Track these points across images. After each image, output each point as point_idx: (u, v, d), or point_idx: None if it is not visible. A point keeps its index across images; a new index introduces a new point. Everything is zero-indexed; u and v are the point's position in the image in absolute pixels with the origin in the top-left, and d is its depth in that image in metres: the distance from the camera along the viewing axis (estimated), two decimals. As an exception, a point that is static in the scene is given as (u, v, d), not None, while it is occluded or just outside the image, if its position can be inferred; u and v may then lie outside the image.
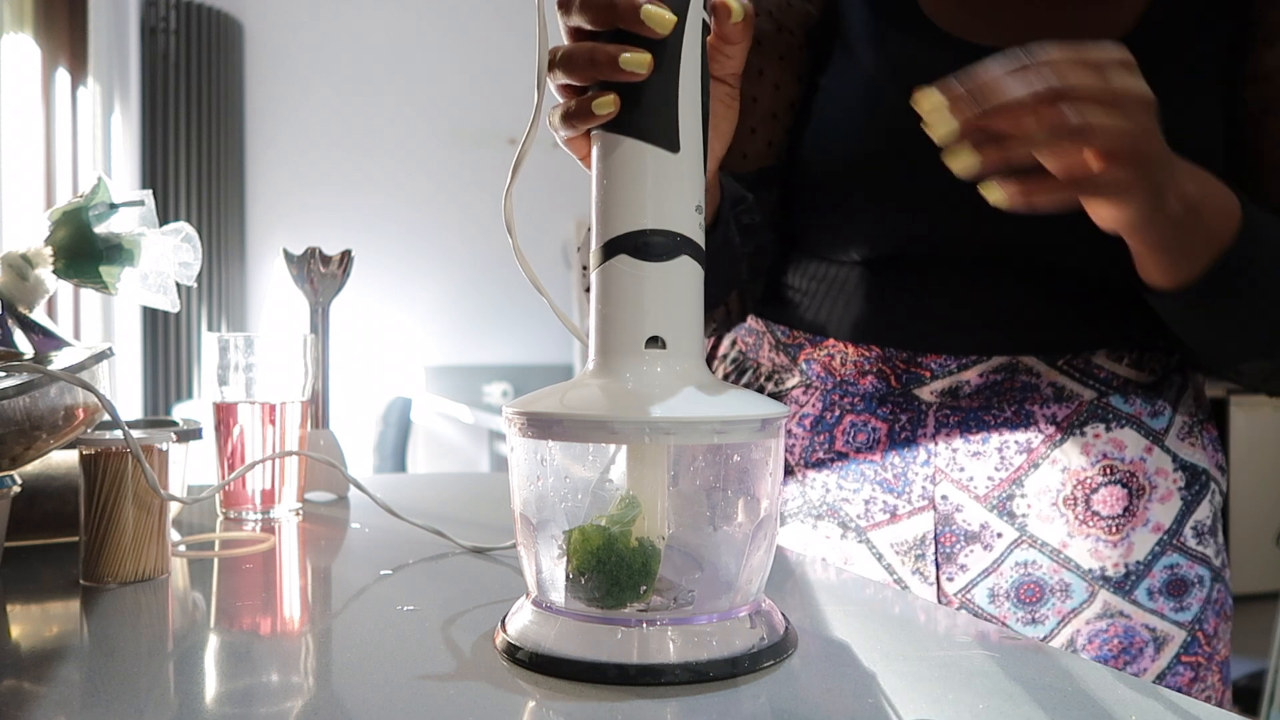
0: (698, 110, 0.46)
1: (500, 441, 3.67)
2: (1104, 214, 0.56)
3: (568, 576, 0.44)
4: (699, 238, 0.46)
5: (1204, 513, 0.74)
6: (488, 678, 0.43)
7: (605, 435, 0.43)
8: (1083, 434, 0.72)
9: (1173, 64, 0.68)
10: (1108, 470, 0.72)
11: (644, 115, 0.45)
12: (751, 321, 0.84)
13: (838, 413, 0.76)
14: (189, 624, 0.54)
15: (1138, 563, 0.72)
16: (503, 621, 0.47)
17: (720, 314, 0.84)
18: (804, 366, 0.78)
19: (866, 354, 0.74)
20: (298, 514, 0.83)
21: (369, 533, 0.77)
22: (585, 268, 0.78)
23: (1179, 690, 0.71)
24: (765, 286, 0.83)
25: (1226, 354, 0.70)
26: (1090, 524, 0.71)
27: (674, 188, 0.45)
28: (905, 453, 0.73)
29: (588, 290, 0.78)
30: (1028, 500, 0.71)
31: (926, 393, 0.73)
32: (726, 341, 0.88)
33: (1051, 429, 0.72)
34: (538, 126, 0.50)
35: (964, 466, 0.72)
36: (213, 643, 0.50)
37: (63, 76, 2.86)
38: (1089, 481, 0.71)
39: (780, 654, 0.44)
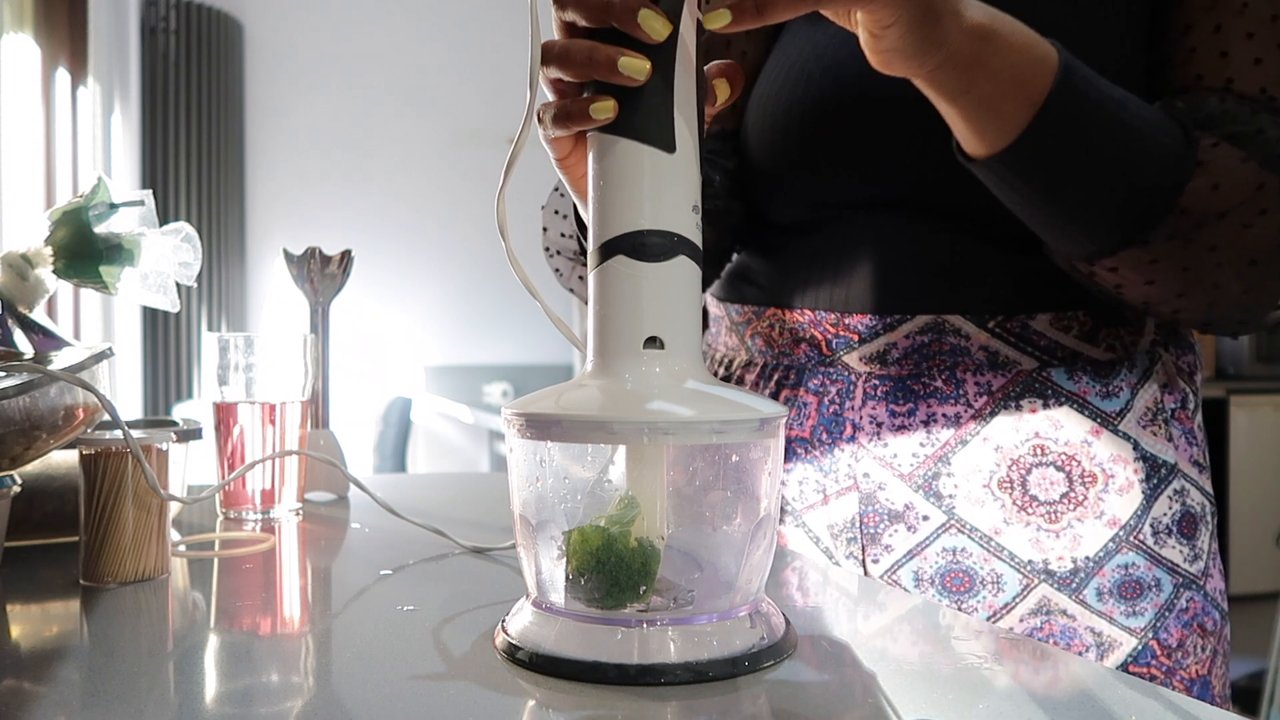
0: (693, 110, 0.46)
1: (500, 441, 3.67)
2: (867, 40, 0.51)
3: (567, 577, 0.44)
4: (696, 238, 0.46)
5: (1163, 509, 0.68)
6: (488, 678, 0.43)
7: (604, 436, 0.43)
8: (1017, 408, 0.68)
9: None
10: (1039, 450, 0.67)
11: (640, 116, 0.45)
12: (714, 308, 0.84)
13: (774, 388, 0.75)
14: (189, 624, 0.54)
15: (1087, 558, 0.67)
16: (503, 622, 0.47)
17: None
18: (749, 343, 0.78)
19: (800, 319, 0.73)
20: (298, 514, 0.83)
21: (369, 533, 0.77)
22: (550, 251, 0.80)
23: None
24: (726, 269, 0.84)
25: (1077, 246, 0.62)
26: (1029, 510, 0.67)
27: (670, 188, 0.45)
28: (832, 429, 0.72)
29: (547, 249, 0.80)
30: (955, 480, 0.68)
31: (855, 359, 0.70)
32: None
33: (983, 399, 0.68)
34: (530, 127, 0.50)
35: (888, 442, 0.69)
36: (213, 643, 0.50)
37: (63, 76, 2.86)
38: (1022, 462, 0.67)
39: (780, 654, 0.45)
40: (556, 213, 0.78)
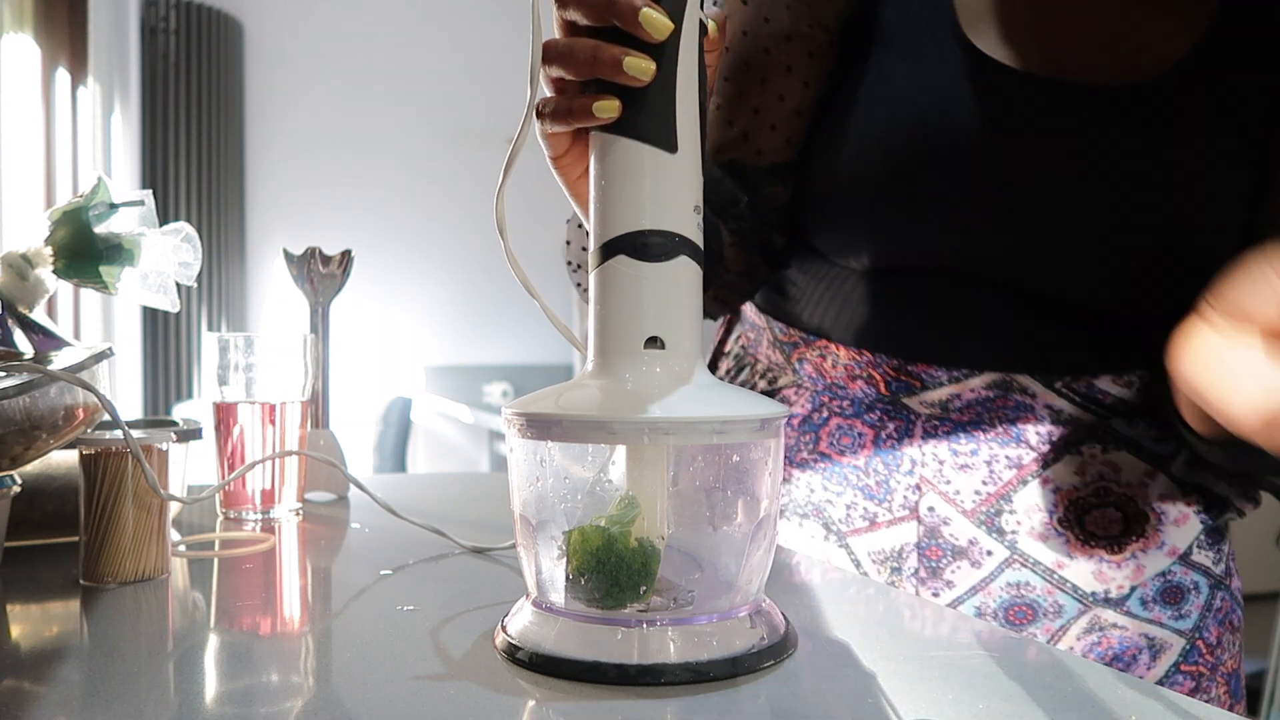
0: (695, 110, 0.46)
1: (500, 441, 3.67)
2: None
3: (567, 577, 0.44)
4: (697, 238, 0.46)
5: (1212, 526, 0.72)
6: (488, 678, 0.43)
7: (604, 436, 0.43)
8: (1078, 453, 0.70)
9: (1212, 99, 0.65)
10: (1101, 492, 0.70)
11: (642, 116, 0.45)
12: (754, 317, 0.83)
13: (825, 414, 0.75)
14: (189, 624, 0.54)
15: (1142, 582, 0.70)
16: (503, 622, 0.47)
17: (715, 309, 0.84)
18: (796, 365, 0.77)
19: (858, 358, 0.73)
20: (298, 514, 0.83)
21: (369, 533, 0.77)
22: (572, 265, 0.78)
23: None
24: (769, 283, 0.82)
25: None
26: (1091, 544, 0.69)
27: (672, 188, 0.45)
28: (889, 460, 0.72)
29: (570, 263, 0.78)
30: (1016, 517, 0.69)
31: (916, 403, 0.71)
32: (732, 338, 0.88)
33: (1046, 447, 0.70)
34: (529, 126, 0.50)
35: (950, 479, 0.70)
36: (213, 643, 0.50)
37: (63, 76, 2.86)
38: (1081, 503, 0.69)
39: (780, 654, 0.44)
40: (580, 226, 0.75)
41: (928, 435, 0.71)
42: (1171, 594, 0.70)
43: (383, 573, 0.63)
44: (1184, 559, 0.71)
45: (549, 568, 0.46)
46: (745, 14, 0.74)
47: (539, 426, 0.44)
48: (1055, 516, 0.69)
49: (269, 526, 0.79)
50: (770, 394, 0.80)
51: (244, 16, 3.99)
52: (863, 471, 0.73)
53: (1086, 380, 0.69)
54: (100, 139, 2.77)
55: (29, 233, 0.77)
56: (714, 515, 0.45)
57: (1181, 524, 0.71)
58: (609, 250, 0.45)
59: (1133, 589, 0.70)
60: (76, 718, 0.39)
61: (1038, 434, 0.70)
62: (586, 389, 0.45)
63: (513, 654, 0.44)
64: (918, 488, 0.71)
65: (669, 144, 0.45)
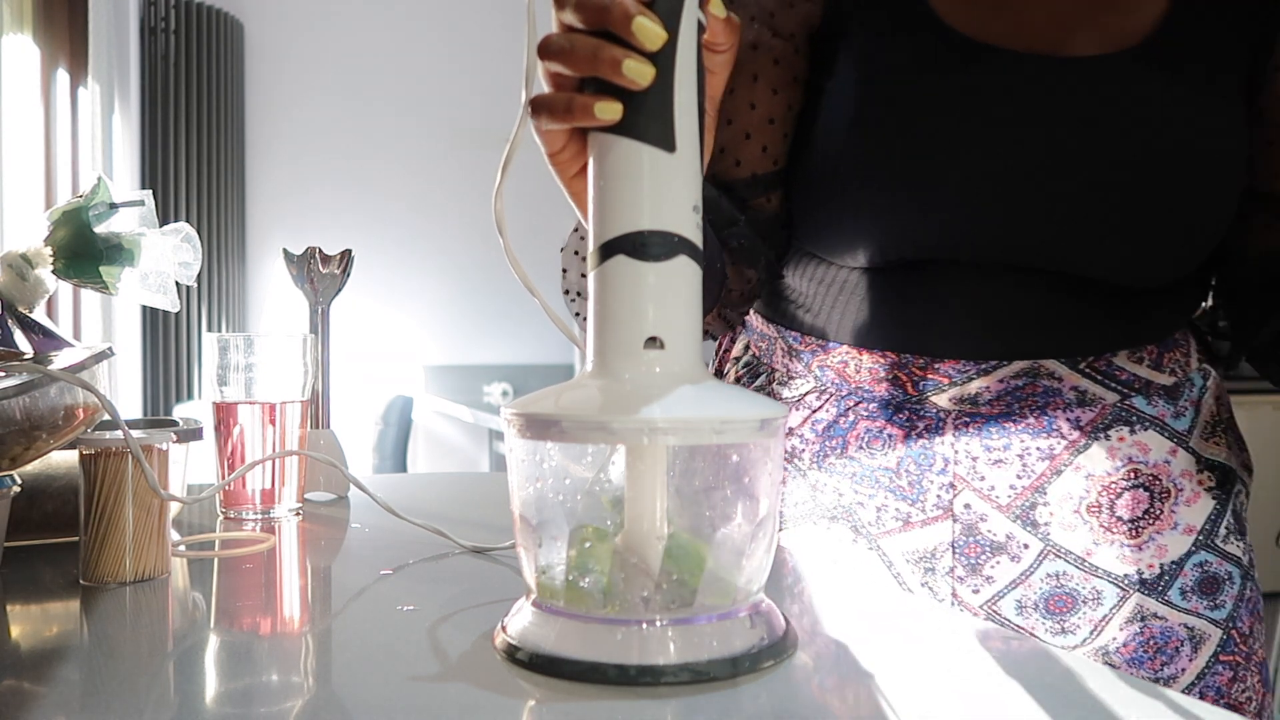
0: (694, 109, 0.46)
1: (500, 441, 3.67)
2: None
3: (567, 578, 0.44)
4: (696, 238, 0.46)
5: (1231, 511, 0.73)
6: (488, 678, 0.43)
7: (604, 436, 0.43)
8: (1107, 438, 0.70)
9: (1194, 65, 0.66)
10: (1133, 474, 0.70)
11: (640, 116, 0.45)
12: (763, 327, 0.83)
13: (852, 418, 0.75)
14: (189, 624, 0.54)
15: (1172, 563, 0.70)
16: (503, 622, 0.47)
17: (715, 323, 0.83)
18: (818, 373, 0.76)
19: (880, 360, 0.72)
20: (298, 514, 0.83)
21: (369, 533, 0.77)
22: (569, 294, 0.77)
23: (1218, 691, 0.71)
24: (769, 291, 0.82)
25: None
26: (1114, 529, 0.69)
27: (671, 188, 0.45)
28: (921, 459, 0.72)
29: (567, 293, 0.77)
30: (1050, 509, 0.69)
31: (944, 399, 0.71)
32: (739, 345, 0.87)
33: (1076, 434, 0.70)
34: (526, 125, 0.50)
35: (984, 475, 0.70)
36: (213, 643, 0.50)
37: (63, 76, 2.86)
38: (1114, 487, 0.69)
39: (780, 654, 0.44)
40: (576, 253, 0.75)
41: (959, 432, 0.71)
42: (1208, 585, 0.71)
43: (383, 573, 0.63)
44: (1216, 549, 0.72)
45: (549, 568, 0.46)
46: None
47: (539, 426, 0.44)
48: (1086, 504, 0.69)
49: (269, 526, 0.79)
50: (793, 400, 0.79)
51: (244, 16, 3.99)
52: (894, 473, 0.72)
53: (1106, 359, 0.70)
54: (100, 139, 2.77)
55: (29, 233, 0.77)
56: (714, 515, 0.45)
57: (1193, 503, 0.71)
58: (608, 250, 0.45)
59: (1166, 574, 0.70)
60: (76, 718, 0.39)
61: (1068, 420, 0.70)
62: (586, 389, 0.45)
63: (512, 654, 0.44)
64: (951, 486, 0.70)
65: (668, 144, 0.45)
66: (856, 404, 0.75)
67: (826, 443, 0.76)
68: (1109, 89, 0.65)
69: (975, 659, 0.46)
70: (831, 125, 0.71)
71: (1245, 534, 0.74)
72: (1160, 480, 0.71)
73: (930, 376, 0.70)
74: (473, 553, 0.68)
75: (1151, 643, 0.70)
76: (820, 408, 0.77)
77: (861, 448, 0.74)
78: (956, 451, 0.71)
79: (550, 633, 0.44)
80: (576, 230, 0.76)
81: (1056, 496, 0.69)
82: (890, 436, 0.73)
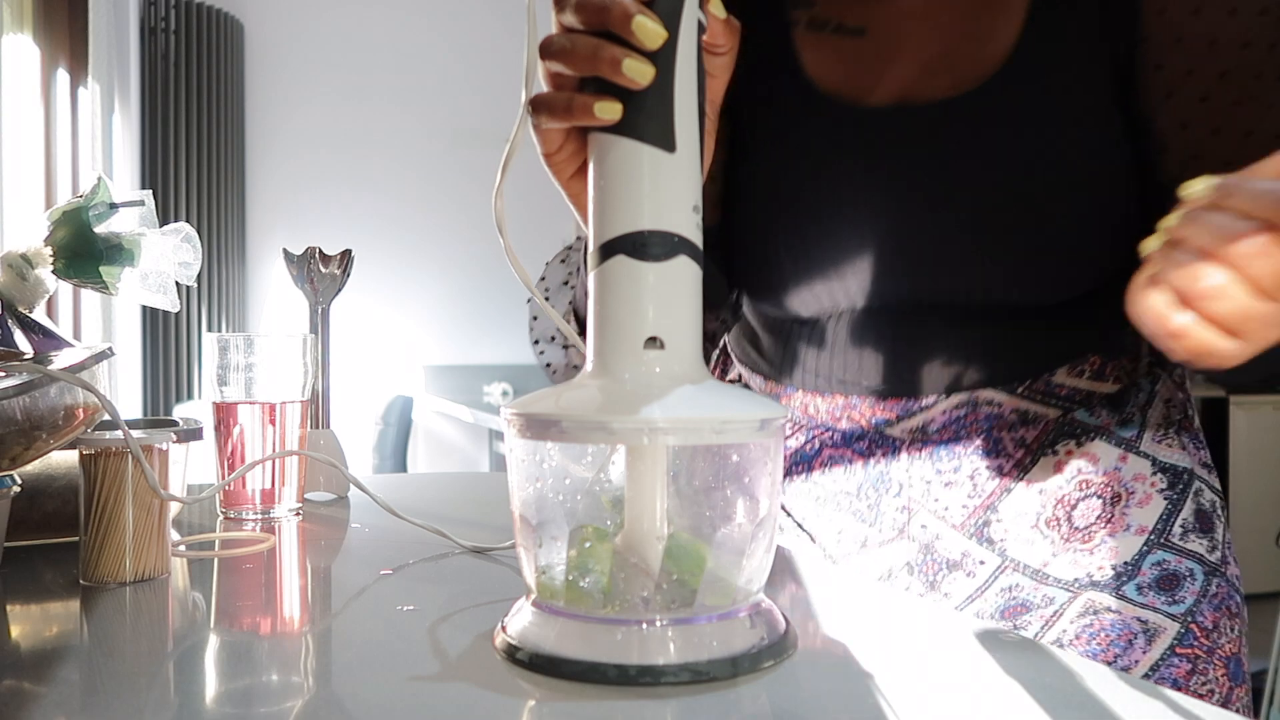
0: (694, 110, 0.46)
1: (500, 441, 3.66)
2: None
3: (567, 578, 0.44)
4: (696, 238, 0.46)
5: (1190, 510, 0.73)
6: (488, 678, 0.43)
7: (604, 436, 0.43)
8: (1054, 453, 0.72)
9: (1056, 87, 0.67)
10: (1084, 485, 0.71)
11: (640, 115, 0.45)
12: (738, 365, 0.86)
13: (817, 445, 0.79)
14: (189, 624, 0.54)
15: (1125, 563, 0.71)
16: (503, 622, 0.47)
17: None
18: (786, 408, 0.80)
19: (834, 401, 0.76)
20: (298, 514, 0.83)
21: (369, 532, 0.77)
22: (538, 345, 0.80)
23: (1175, 683, 0.70)
24: (734, 334, 0.86)
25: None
26: (1072, 539, 0.71)
27: (671, 188, 0.45)
28: (878, 484, 0.75)
29: (536, 343, 0.80)
30: (1004, 525, 0.72)
31: (898, 430, 0.74)
32: (729, 376, 0.91)
33: (1021, 452, 0.72)
34: (526, 124, 0.50)
35: (938, 497, 0.73)
36: (213, 643, 0.50)
37: (63, 76, 2.86)
38: (1068, 499, 0.71)
39: (780, 654, 0.44)
40: (548, 298, 0.78)
41: (913, 457, 0.74)
42: (1167, 581, 0.71)
43: (383, 573, 0.63)
44: (1174, 547, 0.72)
45: (549, 568, 0.46)
46: None
47: (539, 427, 0.44)
48: (1043, 518, 0.71)
49: (269, 526, 0.79)
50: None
51: (244, 16, 3.99)
52: (854, 497, 0.76)
53: (1045, 378, 0.71)
54: (100, 139, 2.76)
55: (29, 233, 0.77)
56: (714, 515, 0.45)
57: (1145, 504, 0.72)
58: (608, 250, 0.45)
59: (1121, 575, 0.71)
60: (76, 718, 0.39)
61: (1013, 439, 0.72)
62: (586, 389, 0.45)
63: (512, 654, 0.44)
64: (906, 509, 0.74)
65: (668, 144, 0.45)
66: (822, 433, 0.79)
67: (794, 467, 0.80)
68: (960, 129, 0.67)
69: (975, 659, 0.46)
70: (746, 192, 0.75)
71: (1213, 530, 0.74)
72: (1112, 487, 0.72)
73: (880, 414, 0.74)
74: (473, 553, 0.68)
75: (1103, 634, 0.70)
76: (791, 436, 0.81)
77: (825, 472, 0.78)
78: (910, 475, 0.74)
79: (550, 633, 0.44)
80: (562, 260, 0.79)
81: (1010, 513, 0.72)
82: (850, 462, 0.77)
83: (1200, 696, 0.71)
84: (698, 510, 0.45)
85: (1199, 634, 0.72)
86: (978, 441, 0.73)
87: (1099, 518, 0.72)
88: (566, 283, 0.80)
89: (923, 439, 0.74)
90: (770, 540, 0.46)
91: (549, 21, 0.49)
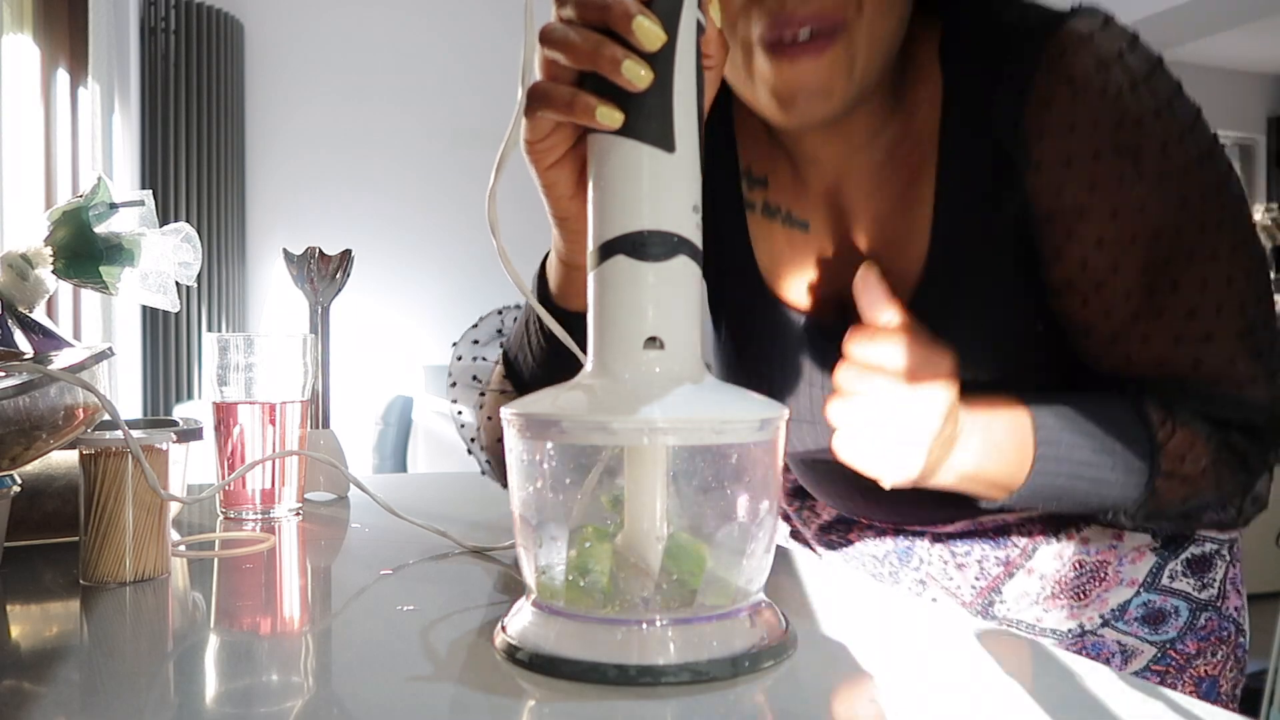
0: (693, 110, 0.46)
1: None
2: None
3: (567, 578, 0.44)
4: (696, 238, 0.46)
5: (1183, 557, 0.75)
6: (488, 678, 0.43)
7: (604, 436, 0.43)
8: (1057, 539, 0.74)
9: (970, 291, 0.66)
10: (1078, 565, 0.74)
11: (640, 116, 0.45)
12: None
13: (851, 521, 0.83)
14: (189, 624, 0.54)
15: (1113, 609, 0.74)
16: (503, 622, 0.47)
17: None
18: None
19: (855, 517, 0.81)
20: (298, 514, 0.83)
21: (369, 532, 0.77)
22: (475, 444, 0.82)
23: None
24: None
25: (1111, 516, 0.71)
26: (1061, 599, 0.75)
27: (670, 188, 0.45)
28: (903, 555, 0.79)
29: (455, 401, 0.81)
30: (1007, 605, 0.76)
31: (916, 528, 0.79)
32: None
33: (1025, 541, 0.75)
34: (521, 125, 0.50)
35: (952, 576, 0.77)
36: (213, 643, 0.50)
37: (63, 76, 2.86)
38: (1064, 580, 0.74)
39: (780, 654, 0.44)
40: (499, 331, 0.82)
41: (934, 540, 0.78)
42: (1152, 617, 0.74)
43: (383, 573, 0.63)
44: (1161, 589, 0.74)
45: (549, 568, 0.46)
46: None
47: (538, 426, 0.44)
48: (1042, 596, 0.75)
49: (269, 526, 0.79)
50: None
51: (244, 16, 3.99)
52: (879, 561, 0.80)
53: None
54: (100, 139, 2.76)
55: (29, 233, 0.77)
56: (714, 515, 0.45)
57: (1137, 561, 0.74)
58: (608, 250, 0.45)
59: (1108, 619, 0.74)
60: (76, 718, 0.39)
61: (1020, 531, 0.75)
62: (585, 389, 0.45)
63: (512, 654, 0.44)
64: (922, 581, 0.78)
65: (667, 144, 0.45)
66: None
67: (836, 524, 0.84)
68: (926, 315, 0.65)
69: (975, 659, 0.46)
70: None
71: (1210, 570, 0.76)
72: (1109, 564, 0.74)
73: (903, 529, 0.79)
74: (473, 553, 0.68)
75: (1084, 653, 0.74)
76: (824, 511, 0.85)
77: (859, 535, 0.82)
78: (930, 554, 0.78)
79: (550, 633, 0.44)
80: (476, 326, 0.84)
81: (1012, 594, 0.75)
82: (883, 534, 0.80)
83: None
84: (698, 510, 0.45)
85: (1176, 656, 0.75)
86: (991, 532, 0.76)
87: (1092, 579, 0.74)
88: (500, 330, 0.83)
89: (945, 534, 0.78)
90: (770, 540, 0.46)
91: (548, 20, 0.49)
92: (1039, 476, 0.63)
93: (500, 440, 0.69)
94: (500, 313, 0.86)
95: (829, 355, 0.69)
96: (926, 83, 0.67)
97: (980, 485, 0.63)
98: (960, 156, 0.65)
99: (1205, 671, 0.75)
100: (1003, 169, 0.63)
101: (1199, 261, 0.62)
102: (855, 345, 0.58)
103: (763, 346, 0.75)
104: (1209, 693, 0.76)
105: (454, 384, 0.83)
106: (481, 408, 0.78)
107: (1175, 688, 0.74)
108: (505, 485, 0.73)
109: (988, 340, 0.67)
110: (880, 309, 0.59)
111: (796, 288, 0.74)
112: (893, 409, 0.57)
